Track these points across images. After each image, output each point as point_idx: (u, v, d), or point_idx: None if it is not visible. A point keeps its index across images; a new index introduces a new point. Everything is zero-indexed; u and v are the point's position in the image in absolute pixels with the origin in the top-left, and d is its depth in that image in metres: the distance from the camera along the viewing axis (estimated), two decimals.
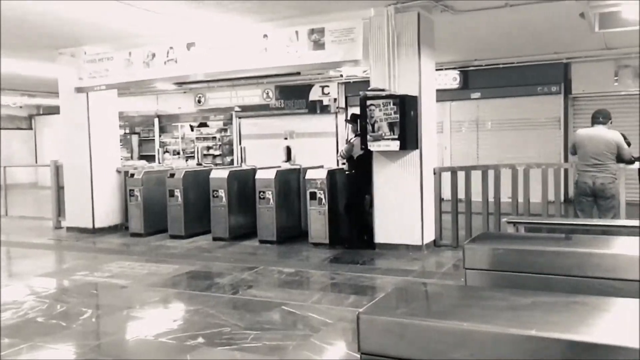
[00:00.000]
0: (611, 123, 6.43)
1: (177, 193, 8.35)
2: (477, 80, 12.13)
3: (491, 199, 7.22)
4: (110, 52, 8.41)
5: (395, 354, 1.67)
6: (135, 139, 17.02)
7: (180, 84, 13.08)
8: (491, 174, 7.26)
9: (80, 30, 7.88)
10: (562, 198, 7.99)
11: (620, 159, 6.24)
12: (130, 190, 8.70)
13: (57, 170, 9.83)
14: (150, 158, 14.03)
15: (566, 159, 10.96)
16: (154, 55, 7.95)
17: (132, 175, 8.76)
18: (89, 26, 7.68)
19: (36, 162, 18.79)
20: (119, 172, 9.38)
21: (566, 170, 8.59)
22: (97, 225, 9.11)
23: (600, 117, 6.38)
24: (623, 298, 2.13)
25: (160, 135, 16.71)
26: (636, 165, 6.47)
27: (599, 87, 11.27)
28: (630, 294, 2.37)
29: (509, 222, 3.62)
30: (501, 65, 11.48)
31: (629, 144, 6.35)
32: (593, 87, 11.35)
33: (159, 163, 12.26)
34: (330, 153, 12.74)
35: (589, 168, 6.25)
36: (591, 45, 10.06)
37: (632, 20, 6.42)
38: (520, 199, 7.19)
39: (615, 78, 11.06)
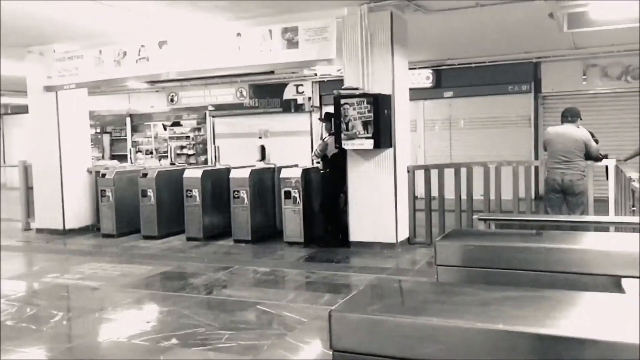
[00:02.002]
0: (580, 121, 6.56)
1: (150, 193, 8.25)
2: (450, 80, 12.26)
3: (464, 196, 7.32)
4: (80, 50, 8.27)
5: (367, 351, 1.68)
6: (106, 139, 16.76)
7: (152, 82, 12.90)
8: (464, 171, 7.37)
9: (49, 27, 7.72)
10: (533, 195, 8.11)
11: (588, 156, 6.39)
12: (101, 190, 8.56)
13: (26, 170, 9.62)
14: (122, 158, 13.84)
15: (537, 157, 11.16)
16: (125, 53, 7.85)
17: (104, 175, 8.61)
18: (59, 24, 7.53)
19: (4, 162, 18.34)
20: (90, 172, 9.22)
21: (536, 168, 8.72)
22: (67, 227, 8.95)
23: (569, 116, 6.51)
24: (590, 292, 2.18)
25: (132, 135, 16.48)
26: (604, 162, 6.63)
27: (568, 86, 11.50)
28: (597, 288, 2.42)
29: (480, 219, 3.65)
30: (473, 65, 11.63)
31: (597, 142, 6.49)
32: (562, 86, 11.58)
33: (131, 163, 12.10)
34: (304, 152, 12.72)
35: (558, 165, 6.36)
36: (560, 44, 10.25)
37: (600, 21, 6.56)
38: (492, 196, 7.31)
39: (584, 77, 11.30)
